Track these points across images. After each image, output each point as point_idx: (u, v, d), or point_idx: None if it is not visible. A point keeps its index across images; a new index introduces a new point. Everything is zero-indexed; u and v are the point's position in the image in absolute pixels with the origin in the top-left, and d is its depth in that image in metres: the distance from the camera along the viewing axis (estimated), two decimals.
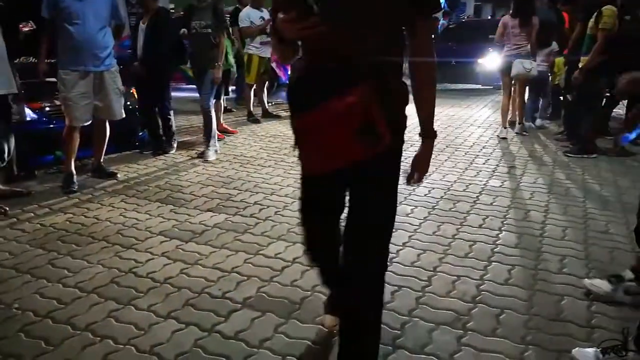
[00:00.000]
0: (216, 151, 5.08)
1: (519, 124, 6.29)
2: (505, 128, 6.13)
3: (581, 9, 5.72)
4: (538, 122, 6.64)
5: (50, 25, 3.90)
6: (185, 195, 3.94)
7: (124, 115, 4.24)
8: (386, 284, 2.52)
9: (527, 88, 6.33)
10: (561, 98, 6.50)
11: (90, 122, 4.08)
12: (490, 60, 9.51)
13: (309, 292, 2.50)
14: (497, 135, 6.09)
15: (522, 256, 2.90)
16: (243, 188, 4.12)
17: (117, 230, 3.25)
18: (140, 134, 5.39)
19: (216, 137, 5.15)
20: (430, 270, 2.73)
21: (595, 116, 5.25)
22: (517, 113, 6.34)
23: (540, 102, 6.70)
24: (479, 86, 10.57)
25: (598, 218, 3.50)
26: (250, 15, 6.59)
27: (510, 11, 6.03)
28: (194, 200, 3.84)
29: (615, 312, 2.34)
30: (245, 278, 2.64)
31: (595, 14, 4.87)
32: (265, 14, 6.74)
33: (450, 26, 13.03)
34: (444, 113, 7.77)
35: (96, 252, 2.94)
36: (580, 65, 5.06)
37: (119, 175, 4.37)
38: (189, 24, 4.85)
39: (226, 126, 6.20)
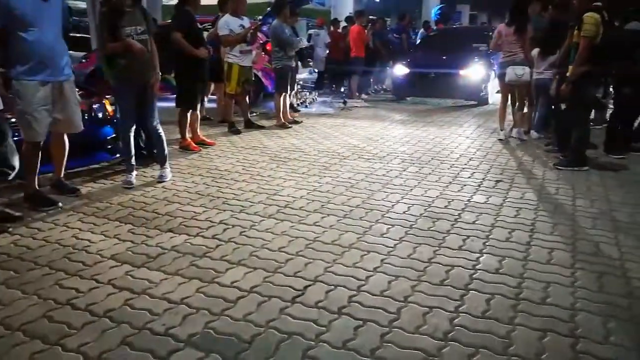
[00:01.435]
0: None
1: (516, 128, 6.36)
2: (502, 130, 6.40)
3: (573, 17, 5.53)
4: (533, 134, 6.42)
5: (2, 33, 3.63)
6: (147, 214, 3.68)
7: (82, 128, 3.97)
8: (349, 318, 2.31)
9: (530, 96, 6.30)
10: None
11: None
12: (475, 72, 9.20)
13: (262, 329, 2.24)
14: (497, 138, 6.39)
15: (503, 283, 2.64)
16: (210, 205, 3.86)
17: (64, 254, 2.99)
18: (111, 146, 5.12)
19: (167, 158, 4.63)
20: (401, 301, 2.47)
21: (587, 127, 5.03)
22: (515, 118, 6.45)
23: (537, 113, 6.48)
24: (462, 101, 9.71)
25: (587, 238, 3.25)
26: (229, 23, 6.36)
27: (506, 20, 6.30)
28: (155, 219, 3.59)
29: (603, 351, 2.09)
30: (194, 311, 2.38)
31: (579, 22, 4.67)
32: (246, 22, 6.54)
33: (431, 34, 12.39)
34: (433, 121, 7.57)
35: (35, 280, 2.67)
36: (568, 74, 4.86)
37: (81, 191, 4.11)
38: (119, 30, 4.09)
39: (203, 138, 5.95)
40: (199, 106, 5.73)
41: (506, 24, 6.20)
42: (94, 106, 4.76)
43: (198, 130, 5.89)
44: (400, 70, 10.08)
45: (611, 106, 6.93)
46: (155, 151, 4.66)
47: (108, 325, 2.26)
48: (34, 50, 3.56)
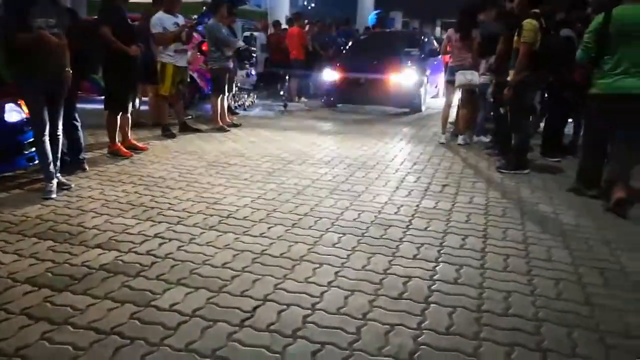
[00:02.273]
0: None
1: (461, 134, 6.38)
2: (444, 134, 6.48)
3: (503, 23, 5.65)
4: (474, 138, 6.49)
5: None
6: (71, 228, 3.27)
7: None
8: (306, 342, 2.09)
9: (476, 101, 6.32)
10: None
11: None
12: (407, 77, 8.68)
13: (207, 359, 1.97)
14: (438, 141, 6.38)
15: (463, 294, 2.52)
16: (144, 217, 3.50)
17: None
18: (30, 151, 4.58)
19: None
20: (359, 319, 2.28)
21: (527, 132, 5.11)
22: (459, 124, 6.50)
23: (479, 116, 6.55)
24: (395, 109, 9.10)
25: (539, 242, 3.22)
26: (163, 21, 5.98)
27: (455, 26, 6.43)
28: (81, 233, 3.19)
29: None
30: (128, 342, 2.06)
31: (518, 28, 4.74)
32: (180, 20, 6.17)
33: (361, 37, 11.77)
34: (375, 128, 7.52)
35: None
36: (508, 79, 4.91)
37: None
38: (28, 20, 3.59)
39: (135, 142, 5.51)
40: (129, 108, 5.28)
41: (455, 29, 6.34)
42: (5, 107, 4.22)
43: (129, 133, 5.45)
44: (329, 75, 9.34)
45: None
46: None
47: None
48: None
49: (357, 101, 9.23)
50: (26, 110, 4.37)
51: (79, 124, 4.61)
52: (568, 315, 2.35)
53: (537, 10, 4.74)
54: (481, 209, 3.85)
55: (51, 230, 3.23)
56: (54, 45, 3.66)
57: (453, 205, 3.93)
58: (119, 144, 5.22)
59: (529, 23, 4.65)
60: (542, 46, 4.69)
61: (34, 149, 4.33)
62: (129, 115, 5.32)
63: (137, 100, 5.33)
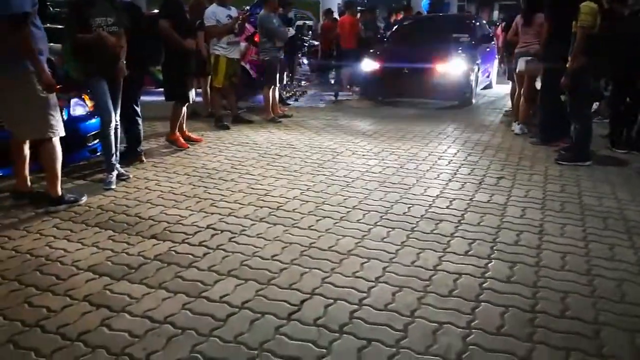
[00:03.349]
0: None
1: (518, 123, 6.13)
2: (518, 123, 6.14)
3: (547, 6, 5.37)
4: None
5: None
6: (129, 218, 3.42)
7: None
8: (352, 338, 2.09)
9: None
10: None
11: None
12: (455, 67, 7.80)
13: (255, 352, 2.00)
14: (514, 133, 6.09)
15: (517, 293, 2.43)
16: (197, 208, 3.60)
17: (36, 266, 2.72)
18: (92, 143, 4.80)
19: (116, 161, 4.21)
20: (407, 316, 2.25)
21: (588, 121, 4.83)
22: (517, 112, 6.23)
23: None
24: (440, 102, 8.23)
25: (600, 240, 3.05)
26: (216, 13, 6.08)
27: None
28: (138, 224, 3.32)
29: None
30: (179, 332, 2.14)
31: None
32: (233, 12, 6.27)
33: (405, 23, 10.72)
34: (424, 119, 7.35)
35: (1, 297, 2.41)
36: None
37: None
38: (88, 21, 3.77)
39: (189, 134, 5.67)
40: (191, 98, 5.39)
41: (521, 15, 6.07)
42: (71, 101, 4.45)
43: (184, 126, 5.60)
44: (368, 65, 8.51)
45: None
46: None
47: (82, 351, 2.01)
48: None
49: (399, 94, 8.39)
50: (90, 104, 4.60)
51: (139, 117, 4.79)
52: (631, 319, 2.22)
53: None
54: (538, 203, 3.69)
55: (111, 220, 3.38)
56: (111, 44, 3.82)
57: (508, 199, 3.79)
58: (178, 134, 5.38)
59: (586, 5, 4.38)
60: (603, 30, 4.39)
61: (96, 141, 4.58)
62: (184, 107, 5.46)
63: (193, 92, 5.42)
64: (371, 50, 8.90)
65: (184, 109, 5.46)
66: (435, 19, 11.66)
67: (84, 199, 3.69)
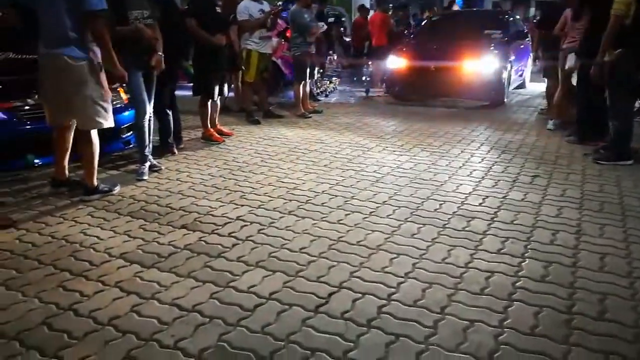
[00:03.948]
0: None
1: (552, 119, 6.01)
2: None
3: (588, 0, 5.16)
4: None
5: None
6: (160, 208, 3.46)
7: None
8: (380, 333, 2.05)
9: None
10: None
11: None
12: (486, 64, 7.38)
13: (282, 343, 1.99)
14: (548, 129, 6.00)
15: (552, 294, 2.35)
16: (227, 199, 3.62)
17: (71, 252, 2.78)
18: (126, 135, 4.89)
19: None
20: (437, 312, 2.20)
21: (628, 116, 4.62)
22: (554, 108, 6.07)
23: None
24: (467, 102, 7.79)
25: None
26: (249, 8, 6.12)
27: None
28: (168, 214, 3.37)
29: None
30: (207, 320, 2.15)
31: None
32: (266, 6, 6.28)
33: (433, 19, 10.32)
34: (456, 115, 7.21)
35: (38, 281, 2.47)
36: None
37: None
38: (125, 14, 3.86)
39: (221, 127, 5.71)
40: (216, 95, 5.43)
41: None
42: None
43: (216, 120, 5.65)
44: (394, 62, 8.14)
45: None
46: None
47: (112, 335, 2.04)
48: None
49: (426, 92, 7.86)
50: (124, 97, 4.69)
51: (172, 110, 4.86)
52: None
53: None
54: (575, 202, 3.57)
55: (142, 210, 3.44)
56: (148, 37, 3.89)
57: (543, 197, 3.68)
58: (212, 130, 5.42)
59: None
60: (635, 20, 4.20)
61: (130, 133, 4.66)
62: (217, 102, 5.51)
63: (226, 88, 5.45)
64: (398, 47, 8.65)
65: (217, 102, 5.50)
66: (466, 14, 11.19)
67: (117, 189, 3.76)
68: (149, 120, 4.21)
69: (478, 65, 7.37)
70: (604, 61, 4.41)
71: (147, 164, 4.20)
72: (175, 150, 4.87)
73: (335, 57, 10.47)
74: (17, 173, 4.07)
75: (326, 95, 8.91)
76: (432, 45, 8.22)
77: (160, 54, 4.11)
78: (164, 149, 4.81)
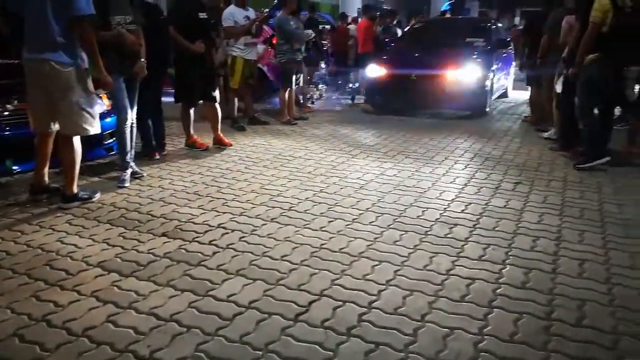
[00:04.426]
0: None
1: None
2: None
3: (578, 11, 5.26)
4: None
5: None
6: (141, 216, 3.42)
7: None
8: (360, 341, 2.04)
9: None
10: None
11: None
12: (467, 73, 7.11)
13: (260, 352, 1.97)
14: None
15: (531, 300, 2.35)
16: (209, 207, 3.59)
17: (46, 261, 2.73)
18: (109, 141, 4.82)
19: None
20: (417, 320, 2.19)
21: (590, 116, 4.67)
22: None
23: None
24: (452, 111, 7.56)
25: (621, 248, 2.95)
26: (234, 14, 6.10)
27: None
28: (149, 221, 3.32)
29: None
30: (184, 330, 2.11)
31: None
32: (251, 13, 6.27)
33: (415, 26, 10.06)
34: (440, 124, 7.25)
35: (11, 290, 2.41)
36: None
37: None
38: (107, 18, 3.80)
39: (222, 137, 5.47)
40: (197, 102, 5.30)
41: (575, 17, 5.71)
42: None
43: (218, 128, 5.43)
44: (374, 70, 7.83)
45: None
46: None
47: (86, 346, 1.99)
48: None
49: (406, 102, 7.61)
50: (107, 103, 4.63)
51: (155, 115, 4.89)
52: None
53: None
54: (556, 209, 3.59)
55: (123, 217, 3.39)
56: (130, 42, 3.86)
57: (525, 204, 3.70)
58: (195, 137, 5.31)
59: (597, 1, 4.35)
60: (612, 27, 4.32)
61: (112, 139, 4.60)
62: (217, 109, 5.32)
63: (217, 94, 5.32)
64: (378, 55, 8.49)
65: (217, 110, 5.33)
66: (447, 22, 11.03)
67: (98, 196, 3.70)
68: (131, 126, 4.16)
69: (460, 74, 7.15)
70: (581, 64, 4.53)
71: (129, 171, 4.15)
72: (157, 155, 4.83)
73: (324, 65, 10.49)
74: None
75: (312, 102, 8.91)
76: (413, 53, 8.06)
77: (143, 60, 4.07)
78: (146, 153, 4.77)
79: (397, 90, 7.52)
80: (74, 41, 3.30)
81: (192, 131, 5.32)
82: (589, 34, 4.41)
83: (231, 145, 5.42)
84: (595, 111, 4.67)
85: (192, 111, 5.24)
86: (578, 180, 4.31)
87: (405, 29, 10.71)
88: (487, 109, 7.66)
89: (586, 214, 3.51)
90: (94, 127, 3.50)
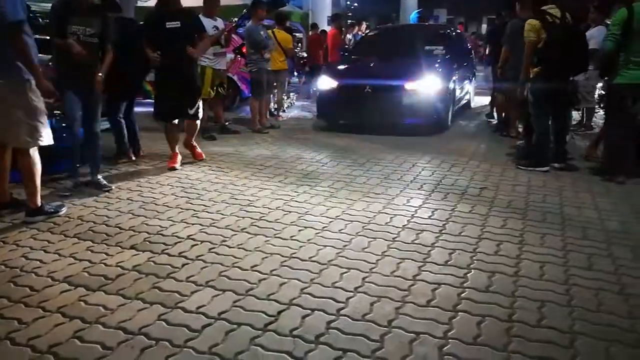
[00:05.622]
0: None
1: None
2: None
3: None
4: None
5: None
6: (109, 229, 3.38)
7: None
8: (327, 348, 2.07)
9: None
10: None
11: None
12: (426, 84, 6.51)
13: None
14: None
15: (494, 303, 2.43)
16: (178, 218, 3.58)
17: (10, 278, 2.68)
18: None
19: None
20: (384, 326, 2.24)
21: (541, 127, 4.93)
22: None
23: None
24: (409, 126, 6.66)
25: (579, 250, 3.07)
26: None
27: None
28: (118, 234, 3.29)
29: None
30: (153, 343, 2.11)
31: None
32: (220, 24, 6.27)
33: (371, 33, 9.51)
34: (407, 133, 7.38)
35: None
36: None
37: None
38: (62, 26, 3.85)
39: (196, 149, 5.31)
40: (170, 117, 5.09)
41: None
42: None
43: (192, 139, 5.30)
44: (325, 82, 7.18)
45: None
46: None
47: None
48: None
49: (360, 116, 6.81)
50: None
51: (124, 120, 5.04)
52: (607, 329, 2.22)
53: (547, 6, 4.76)
54: (519, 213, 3.71)
55: (90, 230, 3.35)
56: (75, 53, 3.81)
57: (490, 209, 3.81)
58: (175, 154, 5.02)
59: (528, 23, 4.75)
60: (546, 40, 4.65)
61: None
62: (196, 124, 5.11)
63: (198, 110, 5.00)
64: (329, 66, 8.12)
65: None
66: (405, 29, 10.28)
67: (64, 210, 3.65)
68: (93, 139, 4.15)
69: (418, 85, 6.51)
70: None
71: (74, 181, 4.20)
72: (132, 155, 4.95)
73: (296, 73, 10.55)
74: None
75: (283, 111, 8.95)
76: (367, 63, 7.49)
77: (101, 74, 4.02)
78: (120, 153, 4.97)
79: (350, 104, 6.79)
80: (5, 51, 3.13)
81: (176, 149, 5.03)
82: (526, 54, 4.80)
83: (202, 159, 5.23)
84: (549, 122, 4.93)
85: (173, 126, 4.97)
86: (541, 185, 4.44)
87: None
88: (449, 124, 7.14)
89: (548, 217, 3.63)
90: (45, 138, 3.39)
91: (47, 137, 3.42)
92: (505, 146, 6.04)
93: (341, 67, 7.86)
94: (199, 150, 5.32)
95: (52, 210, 3.59)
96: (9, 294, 2.50)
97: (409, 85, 6.55)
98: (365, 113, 6.73)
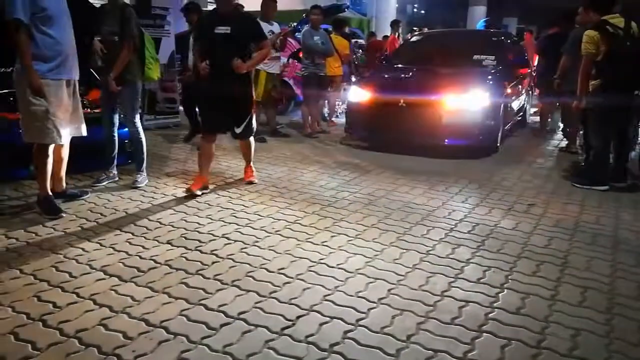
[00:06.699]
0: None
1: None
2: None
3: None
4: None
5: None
6: (150, 223, 3.52)
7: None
8: (340, 358, 2.03)
9: None
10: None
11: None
12: (472, 100, 5.61)
13: None
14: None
15: (523, 327, 2.30)
16: (216, 217, 3.66)
17: (53, 263, 2.84)
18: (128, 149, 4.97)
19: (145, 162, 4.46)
20: (402, 340, 2.17)
21: (600, 143, 4.60)
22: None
23: None
24: (450, 143, 5.73)
25: (629, 277, 2.85)
26: None
27: None
28: (157, 229, 3.41)
29: None
30: (171, 337, 2.16)
31: None
32: (275, 28, 6.38)
33: (412, 39, 8.61)
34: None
35: (15, 290, 2.52)
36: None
37: (87, 196, 3.99)
38: (100, 28, 4.15)
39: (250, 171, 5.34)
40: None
41: None
42: None
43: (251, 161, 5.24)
44: (356, 95, 6.41)
45: None
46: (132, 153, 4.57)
47: (75, 347, 2.06)
48: (61, 48, 3.46)
49: (394, 134, 5.87)
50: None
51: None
52: None
53: (608, 16, 4.38)
54: (567, 233, 3.50)
55: (133, 224, 3.49)
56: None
57: (535, 227, 3.62)
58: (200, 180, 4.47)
59: (586, 35, 4.42)
60: (606, 53, 4.32)
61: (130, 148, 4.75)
62: (249, 142, 4.64)
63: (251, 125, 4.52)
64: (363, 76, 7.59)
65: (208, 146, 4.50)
66: (453, 35, 9.16)
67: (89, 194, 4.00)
68: (112, 136, 4.40)
69: (462, 101, 5.64)
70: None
71: (105, 175, 4.43)
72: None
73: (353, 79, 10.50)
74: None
75: (337, 116, 8.95)
76: (405, 74, 6.66)
77: (110, 75, 4.13)
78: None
79: (382, 120, 5.90)
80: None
81: (205, 172, 4.35)
82: (583, 67, 4.50)
83: (253, 182, 4.57)
84: (610, 138, 4.62)
85: (209, 146, 4.30)
86: (596, 205, 4.17)
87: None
88: (498, 144, 6.13)
89: (598, 240, 3.39)
90: (49, 136, 3.43)
91: (50, 137, 3.44)
92: (564, 162, 5.72)
93: (375, 77, 7.11)
94: (254, 173, 4.69)
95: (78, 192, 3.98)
96: (50, 278, 2.65)
97: (450, 101, 5.67)
98: (398, 131, 5.84)
